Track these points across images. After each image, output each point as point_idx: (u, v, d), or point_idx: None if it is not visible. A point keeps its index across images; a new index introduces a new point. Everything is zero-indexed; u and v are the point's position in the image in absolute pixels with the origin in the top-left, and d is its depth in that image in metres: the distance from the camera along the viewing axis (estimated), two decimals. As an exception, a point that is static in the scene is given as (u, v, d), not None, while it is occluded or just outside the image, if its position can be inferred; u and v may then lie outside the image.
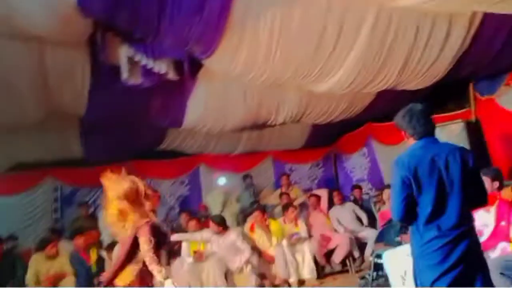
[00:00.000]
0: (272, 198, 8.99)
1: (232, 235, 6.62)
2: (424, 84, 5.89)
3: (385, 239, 5.89)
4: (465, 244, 2.60)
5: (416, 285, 2.79)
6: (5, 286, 6.21)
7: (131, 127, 7.32)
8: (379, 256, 5.89)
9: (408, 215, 2.72)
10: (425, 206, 2.65)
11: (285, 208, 7.50)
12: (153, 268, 3.49)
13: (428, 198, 2.65)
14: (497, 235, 4.16)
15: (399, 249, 4.96)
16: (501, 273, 3.36)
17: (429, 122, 2.84)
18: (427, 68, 5.50)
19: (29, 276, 6.28)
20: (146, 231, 3.52)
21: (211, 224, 6.71)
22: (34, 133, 7.30)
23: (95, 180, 9.81)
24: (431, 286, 2.61)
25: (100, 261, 6.59)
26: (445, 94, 7.26)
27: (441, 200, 2.65)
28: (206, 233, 6.76)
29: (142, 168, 9.54)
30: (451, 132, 6.86)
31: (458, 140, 6.83)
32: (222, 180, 9.82)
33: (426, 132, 2.80)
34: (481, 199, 2.80)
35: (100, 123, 6.95)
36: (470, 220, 2.73)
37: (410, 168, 2.67)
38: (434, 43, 5.21)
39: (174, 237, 6.78)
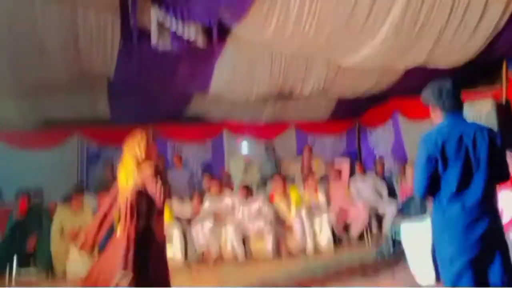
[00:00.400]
0: (293, 169, 9.03)
1: (258, 201, 6.81)
2: (456, 64, 5.74)
3: (404, 213, 5.90)
4: (487, 222, 2.61)
5: (434, 260, 2.83)
6: (32, 237, 6.46)
7: (157, 90, 7.38)
8: (397, 230, 5.94)
9: (431, 191, 2.72)
10: (450, 183, 2.65)
11: (306, 178, 7.57)
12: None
13: (454, 175, 2.64)
14: None
15: (417, 224, 4.97)
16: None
17: (458, 99, 2.81)
18: (460, 46, 5.36)
19: (54, 229, 6.53)
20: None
21: (240, 190, 6.99)
22: (63, 93, 7.42)
23: (120, 140, 10.06)
24: (450, 262, 2.62)
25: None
26: (477, 72, 7.09)
27: (467, 178, 2.65)
28: (230, 199, 6.93)
29: (167, 131, 9.72)
30: (479, 110, 6.73)
31: (486, 118, 6.71)
32: (244, 148, 9.90)
33: (454, 109, 2.78)
34: (504, 176, 2.79)
35: (128, 85, 7.02)
36: (494, 199, 2.73)
37: (437, 145, 2.66)
38: (469, 21, 5.06)
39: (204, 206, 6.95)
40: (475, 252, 2.58)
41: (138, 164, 3.77)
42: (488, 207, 2.65)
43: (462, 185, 2.64)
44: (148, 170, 3.69)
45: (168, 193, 3.99)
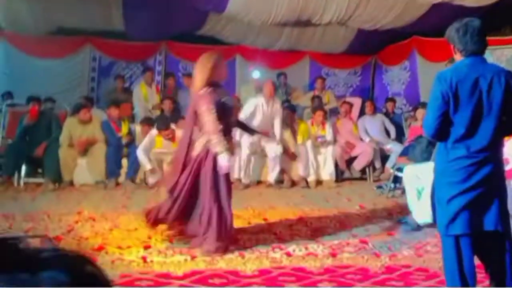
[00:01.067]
0: (304, 99, 8.96)
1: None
2: (484, 2, 5.49)
3: (409, 154, 5.91)
4: (490, 168, 2.58)
5: (433, 201, 2.82)
6: (41, 144, 6.58)
7: (173, 5, 7.19)
8: (400, 169, 5.98)
9: (441, 132, 2.66)
10: (458, 125, 2.59)
11: (314, 110, 7.53)
12: (212, 138, 3.65)
13: (464, 118, 2.58)
14: None
15: (421, 165, 4.99)
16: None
17: (482, 41, 2.67)
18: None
19: (63, 137, 6.63)
20: (208, 100, 3.62)
21: None
22: (78, 1, 7.30)
23: (133, 54, 10.03)
24: (447, 202, 2.63)
25: (130, 133, 6.86)
26: (502, 18, 6.83)
27: (476, 122, 2.58)
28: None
29: (179, 49, 9.61)
30: (501, 56, 6.56)
31: (506, 65, 6.55)
32: (256, 74, 9.78)
33: (477, 50, 2.64)
34: None
35: (143, -2, 6.85)
36: (499, 146, 2.69)
37: (452, 84, 2.56)
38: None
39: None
40: (473, 195, 2.57)
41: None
42: (492, 154, 2.61)
43: (470, 128, 2.58)
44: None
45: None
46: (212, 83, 3.80)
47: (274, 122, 6.64)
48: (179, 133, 6.96)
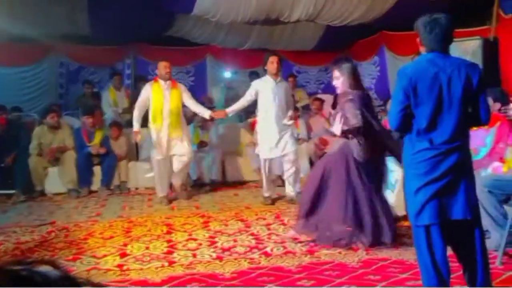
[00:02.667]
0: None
1: None
2: (451, -5, 5.59)
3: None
4: (455, 158, 2.62)
5: (405, 192, 2.86)
6: (10, 154, 6.42)
7: (139, 8, 7.10)
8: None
9: (404, 125, 2.72)
10: (420, 120, 2.65)
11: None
12: None
13: (425, 112, 2.62)
14: (493, 155, 4.22)
15: (393, 158, 5.04)
16: (489, 191, 3.42)
17: (447, 39, 2.67)
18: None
19: (33, 146, 6.48)
20: None
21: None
22: (41, 6, 7.13)
23: (101, 59, 9.87)
24: (414, 193, 2.67)
25: (104, 143, 6.74)
26: (467, 8, 6.94)
27: (437, 116, 2.62)
28: None
29: (148, 52, 9.50)
30: (466, 48, 6.67)
31: (472, 57, 6.67)
32: (228, 74, 9.77)
33: (440, 48, 2.66)
34: (481, 119, 2.71)
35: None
36: (465, 137, 2.71)
37: (411, 79, 2.61)
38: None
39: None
40: (439, 185, 2.61)
41: None
42: (457, 145, 2.63)
43: (431, 122, 2.62)
44: None
45: None
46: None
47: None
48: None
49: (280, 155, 5.52)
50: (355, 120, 3.84)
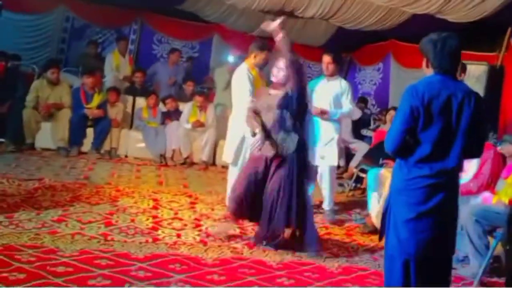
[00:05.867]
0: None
1: None
2: (467, 19, 5.59)
3: (374, 156, 6.02)
4: (449, 190, 2.51)
5: (389, 219, 2.63)
6: (6, 102, 6.36)
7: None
8: (363, 170, 6.11)
9: (402, 149, 2.51)
10: (424, 144, 2.47)
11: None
12: None
13: (430, 137, 2.45)
14: (477, 179, 4.23)
15: (384, 170, 5.09)
16: (476, 220, 3.49)
17: (457, 60, 2.58)
18: (477, 3, 5.17)
19: (30, 98, 6.44)
20: None
21: None
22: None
23: (108, 20, 9.72)
24: (404, 224, 2.51)
25: (101, 106, 6.71)
26: (478, 32, 6.97)
27: (442, 142, 2.45)
28: None
29: (157, 21, 9.45)
30: (471, 72, 6.72)
31: (476, 81, 6.74)
32: (231, 59, 9.71)
33: (450, 69, 2.53)
34: (478, 151, 2.65)
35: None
36: (461, 168, 2.61)
37: (424, 99, 2.41)
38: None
39: None
40: (430, 220, 2.49)
41: None
42: (454, 176, 2.55)
43: (435, 148, 2.46)
44: None
45: None
46: None
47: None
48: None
49: None
50: None
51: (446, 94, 2.45)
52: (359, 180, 6.41)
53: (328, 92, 4.99)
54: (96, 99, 6.70)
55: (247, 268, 3.39)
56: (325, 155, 4.94)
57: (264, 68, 4.96)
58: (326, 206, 5.05)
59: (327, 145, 4.96)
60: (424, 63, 2.60)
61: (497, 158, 4.21)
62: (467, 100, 2.46)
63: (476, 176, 4.19)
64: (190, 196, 5.13)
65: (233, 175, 4.52)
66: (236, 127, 4.65)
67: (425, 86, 2.48)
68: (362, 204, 5.44)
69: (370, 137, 7.48)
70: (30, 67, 8.00)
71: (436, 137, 2.45)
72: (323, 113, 4.86)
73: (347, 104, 5.01)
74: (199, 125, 6.86)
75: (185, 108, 7.04)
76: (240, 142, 4.62)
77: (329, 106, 4.94)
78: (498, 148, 4.23)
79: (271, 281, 3.24)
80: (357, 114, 6.92)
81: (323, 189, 5.06)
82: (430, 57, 2.54)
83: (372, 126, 8.11)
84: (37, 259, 3.01)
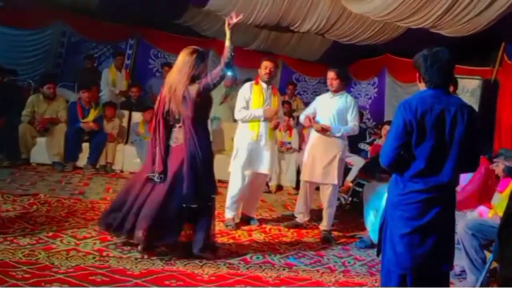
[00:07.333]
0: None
1: None
2: (460, 33, 5.65)
3: (370, 171, 6.03)
4: (444, 205, 2.51)
5: (385, 233, 2.65)
6: (2, 117, 6.34)
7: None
8: (359, 184, 6.11)
9: (397, 163, 2.53)
10: (419, 159, 2.48)
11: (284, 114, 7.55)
12: None
13: (424, 151, 2.46)
14: (466, 189, 4.23)
15: (380, 186, 5.08)
16: (472, 234, 3.49)
17: (449, 75, 2.59)
18: (470, 17, 5.24)
19: (26, 113, 6.44)
20: None
21: None
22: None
23: (104, 35, 9.73)
24: (400, 238, 2.53)
25: (97, 121, 6.70)
26: (472, 47, 7.03)
27: (436, 156, 2.46)
28: None
29: (153, 36, 9.48)
30: (466, 86, 6.78)
31: (470, 95, 6.79)
32: (227, 72, 9.71)
33: (441, 83, 2.55)
34: (473, 165, 2.66)
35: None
36: (456, 182, 2.61)
37: (417, 113, 2.43)
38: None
39: None
40: (425, 235, 2.50)
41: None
42: (450, 190, 2.56)
43: (430, 164, 2.46)
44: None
45: None
46: None
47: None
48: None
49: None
50: None
51: (439, 108, 2.47)
52: (355, 194, 6.39)
53: (331, 108, 4.88)
54: (93, 114, 6.70)
55: (243, 284, 3.37)
56: (326, 173, 4.82)
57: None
58: (324, 226, 4.88)
59: (329, 163, 4.83)
60: (417, 78, 2.63)
61: (489, 174, 4.20)
62: (460, 114, 2.48)
63: (462, 189, 4.20)
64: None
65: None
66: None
67: (418, 100, 2.51)
68: (358, 219, 5.41)
69: (367, 151, 7.48)
70: (26, 81, 8.01)
71: (430, 152, 2.47)
72: (324, 130, 4.82)
73: (352, 121, 4.92)
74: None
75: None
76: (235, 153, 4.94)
77: (330, 122, 4.84)
78: (492, 166, 4.20)
79: (268, 297, 3.22)
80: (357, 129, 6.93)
81: (323, 208, 4.97)
82: (422, 72, 2.58)
83: (368, 140, 8.11)
84: (32, 276, 2.99)
